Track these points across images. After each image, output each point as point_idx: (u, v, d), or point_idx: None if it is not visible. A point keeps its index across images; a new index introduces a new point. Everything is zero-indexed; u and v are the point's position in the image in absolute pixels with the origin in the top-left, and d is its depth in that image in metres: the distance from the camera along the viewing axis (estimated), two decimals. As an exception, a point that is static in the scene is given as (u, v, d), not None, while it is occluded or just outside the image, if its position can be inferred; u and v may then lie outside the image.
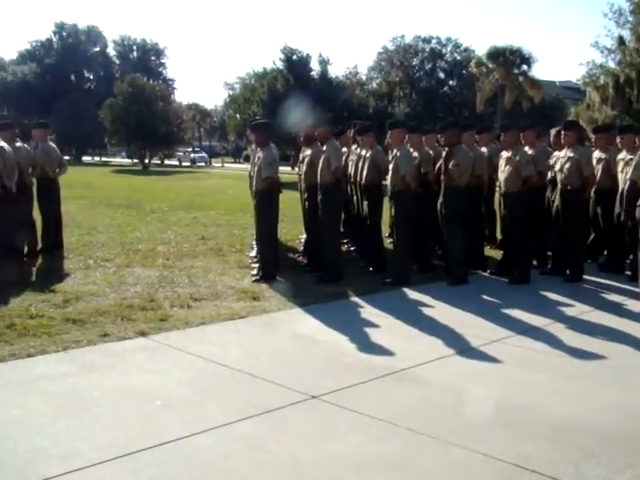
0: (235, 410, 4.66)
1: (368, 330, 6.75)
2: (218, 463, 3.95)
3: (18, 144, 9.80)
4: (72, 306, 7.29)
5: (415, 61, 62.87)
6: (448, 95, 60.29)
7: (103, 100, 55.37)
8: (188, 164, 60.03)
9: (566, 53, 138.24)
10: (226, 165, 59.41)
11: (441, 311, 7.55)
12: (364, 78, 58.24)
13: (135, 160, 58.95)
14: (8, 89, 68.50)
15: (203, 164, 60.95)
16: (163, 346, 6.08)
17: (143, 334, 6.38)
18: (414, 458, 4.03)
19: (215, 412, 4.64)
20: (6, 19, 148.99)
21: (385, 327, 6.89)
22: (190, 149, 67.26)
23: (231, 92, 72.69)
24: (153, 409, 4.70)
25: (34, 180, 10.27)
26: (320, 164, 8.92)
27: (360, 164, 9.66)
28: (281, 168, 9.57)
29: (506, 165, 8.98)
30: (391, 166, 8.88)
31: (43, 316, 6.83)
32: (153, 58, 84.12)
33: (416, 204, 8.86)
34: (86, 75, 79.92)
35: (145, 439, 4.19)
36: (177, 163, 61.95)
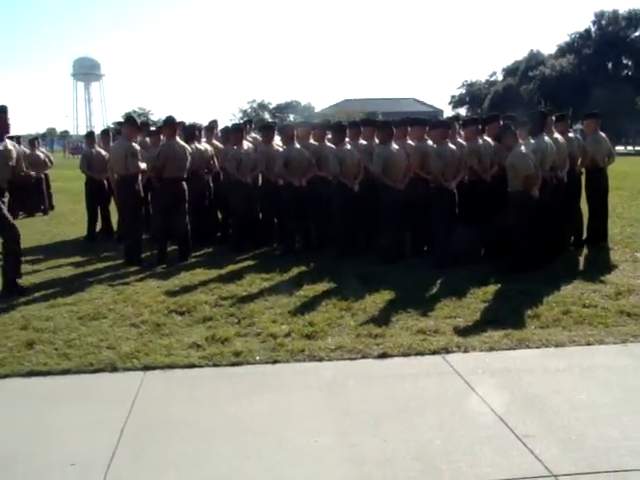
0: None
1: None
2: None
3: (570, 134, 10.06)
4: (625, 299, 7.17)
5: None
6: None
7: (641, 87, 53.18)
8: None
9: None
10: None
11: None
12: None
13: None
14: (546, 83, 70.74)
15: None
16: None
17: None
18: None
19: None
20: (548, 16, 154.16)
21: None
22: None
23: None
24: None
25: (583, 170, 10.36)
26: None
27: None
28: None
29: None
30: None
31: (596, 306, 6.88)
32: None
33: None
34: (624, 62, 77.46)
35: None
36: None
